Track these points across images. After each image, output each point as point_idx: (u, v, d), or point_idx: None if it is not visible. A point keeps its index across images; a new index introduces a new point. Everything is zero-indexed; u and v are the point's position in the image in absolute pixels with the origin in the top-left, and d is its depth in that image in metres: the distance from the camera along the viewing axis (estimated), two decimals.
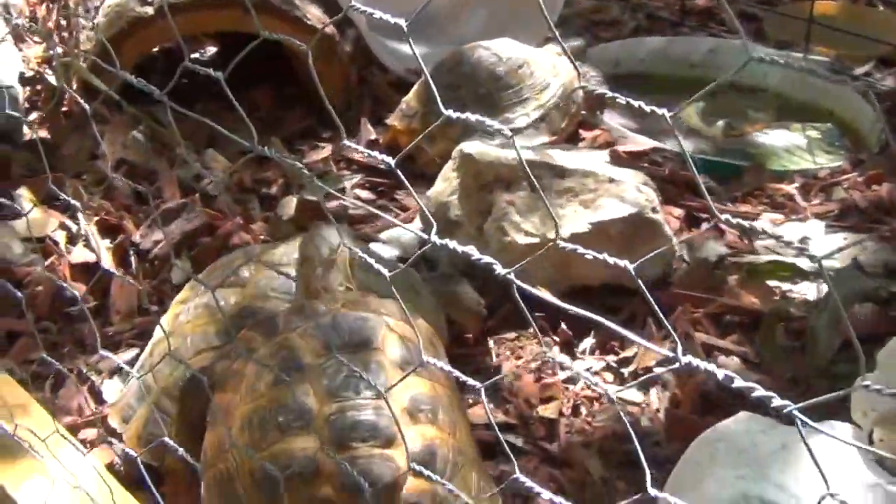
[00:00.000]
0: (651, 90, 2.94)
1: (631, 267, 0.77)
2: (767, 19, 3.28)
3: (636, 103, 0.75)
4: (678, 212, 2.27)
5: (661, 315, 0.84)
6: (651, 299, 0.80)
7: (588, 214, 2.02)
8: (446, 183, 2.16)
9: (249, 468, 1.34)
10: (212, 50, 3.09)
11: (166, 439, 1.24)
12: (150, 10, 2.50)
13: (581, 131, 2.54)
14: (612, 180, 2.04)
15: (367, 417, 1.33)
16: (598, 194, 2.03)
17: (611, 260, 0.80)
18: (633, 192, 2.03)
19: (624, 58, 3.01)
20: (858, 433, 1.29)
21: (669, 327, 0.79)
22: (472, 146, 2.13)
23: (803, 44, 2.98)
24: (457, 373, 0.94)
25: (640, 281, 0.79)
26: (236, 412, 1.38)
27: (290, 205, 2.33)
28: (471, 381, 0.94)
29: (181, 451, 1.20)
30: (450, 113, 0.83)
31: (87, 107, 1.23)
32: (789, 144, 2.72)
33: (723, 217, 0.72)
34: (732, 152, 2.65)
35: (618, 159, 2.22)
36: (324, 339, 1.39)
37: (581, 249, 0.79)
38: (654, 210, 2.02)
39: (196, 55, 3.05)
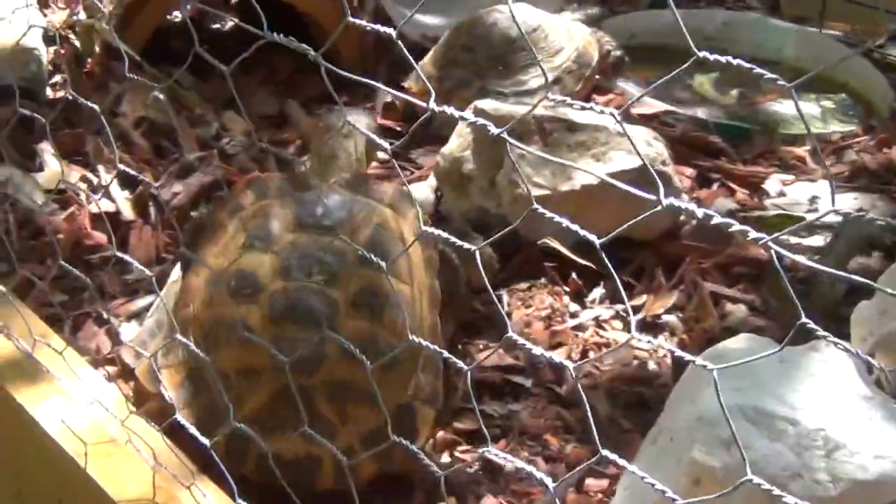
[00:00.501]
0: (665, 62, 2.95)
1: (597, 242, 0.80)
2: None
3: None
4: (689, 171, 2.30)
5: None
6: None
7: (599, 167, 2.05)
8: (461, 139, 2.19)
9: (202, 320, 1.47)
10: (230, 23, 3.13)
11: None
12: None
13: (595, 95, 2.57)
14: (622, 134, 2.07)
15: (304, 301, 1.42)
16: (608, 147, 2.06)
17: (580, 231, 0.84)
18: (642, 146, 2.06)
19: (639, 30, 3.02)
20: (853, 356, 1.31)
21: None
22: (485, 103, 2.16)
23: (818, 18, 3.00)
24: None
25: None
26: (209, 262, 1.51)
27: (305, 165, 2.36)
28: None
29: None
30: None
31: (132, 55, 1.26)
32: (804, 112, 2.73)
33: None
34: (747, 119, 2.67)
35: (629, 118, 2.25)
36: (299, 213, 1.47)
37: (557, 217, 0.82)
38: (663, 163, 2.05)
39: (217, 26, 3.09)
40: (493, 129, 0.84)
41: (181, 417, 1.19)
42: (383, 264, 1.05)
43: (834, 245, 1.79)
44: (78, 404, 1.42)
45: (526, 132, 2.10)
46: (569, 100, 0.92)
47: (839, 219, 2.03)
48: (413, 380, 1.48)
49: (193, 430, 1.16)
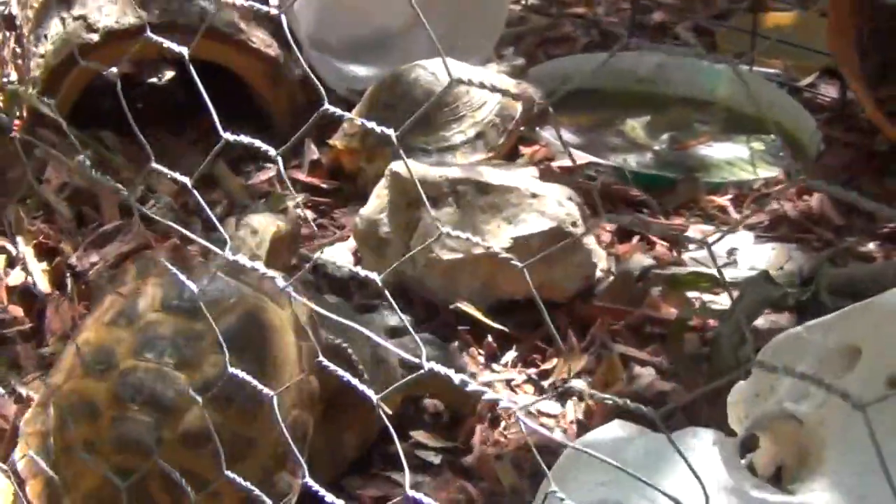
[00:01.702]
0: (598, 105, 2.97)
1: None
2: (720, 33, 3.32)
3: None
4: (610, 226, 2.31)
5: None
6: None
7: (510, 229, 2.06)
8: (378, 200, 2.20)
9: (61, 391, 1.51)
10: (169, 74, 3.14)
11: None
12: (95, 37, 2.54)
13: (520, 147, 2.58)
14: (534, 195, 2.08)
15: (151, 385, 1.44)
16: (520, 209, 2.07)
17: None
18: (554, 207, 2.07)
19: (573, 73, 3.04)
20: (724, 439, 1.32)
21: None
22: (401, 164, 2.17)
23: (749, 56, 3.02)
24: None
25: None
26: (81, 335, 1.54)
27: (231, 225, 2.37)
28: (369, 394, 0.97)
29: None
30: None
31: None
32: (732, 157, 2.76)
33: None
34: (676, 166, 2.68)
35: (547, 175, 2.26)
36: (168, 295, 1.49)
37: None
38: (573, 224, 2.06)
39: (154, 79, 3.10)
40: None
41: None
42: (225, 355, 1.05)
43: (734, 308, 1.80)
44: None
45: (440, 195, 2.11)
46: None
47: (750, 273, 2.04)
48: (262, 474, 1.48)
49: None
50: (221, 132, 0.90)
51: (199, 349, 1.47)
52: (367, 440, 1.74)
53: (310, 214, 2.46)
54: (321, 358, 1.02)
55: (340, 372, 1.02)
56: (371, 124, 0.84)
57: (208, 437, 1.39)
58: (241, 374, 0.99)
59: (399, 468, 1.77)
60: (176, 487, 1.42)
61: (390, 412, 1.63)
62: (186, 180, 0.95)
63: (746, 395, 1.40)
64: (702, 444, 1.29)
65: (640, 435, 1.31)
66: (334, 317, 1.00)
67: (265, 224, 1.86)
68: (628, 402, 0.75)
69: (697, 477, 0.81)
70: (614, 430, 1.35)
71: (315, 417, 1.59)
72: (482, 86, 0.83)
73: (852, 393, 1.28)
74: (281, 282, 0.91)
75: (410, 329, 1.06)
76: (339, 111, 0.87)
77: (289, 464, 1.50)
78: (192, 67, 1.01)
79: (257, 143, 0.88)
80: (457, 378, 0.81)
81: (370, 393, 0.88)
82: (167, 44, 0.96)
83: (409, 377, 0.89)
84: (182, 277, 1.55)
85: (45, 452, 1.51)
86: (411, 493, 0.80)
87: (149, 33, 0.97)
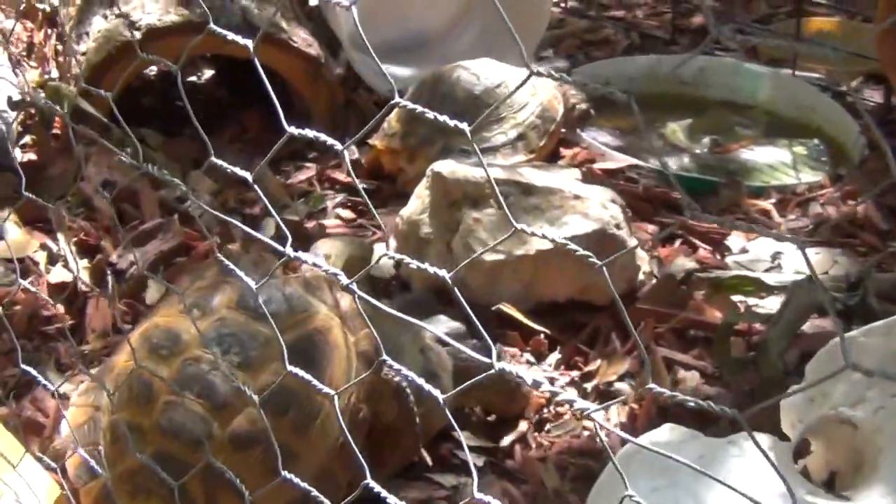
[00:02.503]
0: (641, 109, 2.94)
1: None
2: (761, 36, 3.29)
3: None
4: (652, 228, 2.29)
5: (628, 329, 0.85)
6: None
7: (553, 231, 2.04)
8: (419, 201, 2.19)
9: (119, 369, 1.53)
10: (208, 73, 3.14)
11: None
12: (137, 35, 2.54)
13: (561, 149, 2.57)
14: (577, 197, 2.07)
15: (210, 378, 1.44)
16: (563, 211, 2.06)
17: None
18: (597, 209, 2.05)
19: (613, 76, 3.02)
20: (778, 444, 1.30)
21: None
22: (442, 165, 2.16)
23: (792, 61, 2.99)
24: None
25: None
26: (152, 318, 1.57)
27: (270, 225, 2.37)
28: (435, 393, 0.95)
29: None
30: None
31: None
32: (774, 161, 2.73)
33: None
34: (716, 169, 2.66)
35: (590, 177, 2.24)
36: (245, 295, 1.49)
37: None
38: (617, 226, 2.04)
39: (193, 78, 3.11)
40: None
41: None
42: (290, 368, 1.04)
43: (782, 313, 1.78)
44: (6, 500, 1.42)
45: (481, 196, 2.10)
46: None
47: (797, 277, 2.02)
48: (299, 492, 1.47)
49: None
50: (286, 126, 0.88)
51: (264, 354, 1.46)
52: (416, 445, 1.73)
53: (349, 214, 2.45)
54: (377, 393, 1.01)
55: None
56: (443, 117, 0.82)
57: (256, 441, 1.38)
58: (300, 373, 0.97)
59: (442, 469, 1.76)
60: (213, 484, 1.41)
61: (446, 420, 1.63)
62: (247, 174, 0.93)
63: (800, 400, 1.37)
64: (753, 449, 1.27)
65: (692, 439, 1.29)
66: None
67: (338, 248, 1.87)
68: (699, 402, 0.73)
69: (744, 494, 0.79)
70: (665, 433, 1.33)
71: (359, 445, 1.58)
72: (537, 74, 0.81)
73: None
74: (344, 278, 0.88)
75: (452, 341, 1.04)
76: (409, 103, 0.85)
77: (331, 484, 1.49)
78: (235, 67, 0.99)
79: (322, 136, 0.87)
80: (529, 378, 0.79)
81: (436, 393, 0.86)
82: (231, 36, 0.94)
83: (481, 377, 0.87)
84: (261, 279, 1.55)
85: (92, 426, 1.51)
86: (479, 495, 0.79)
87: (212, 25, 0.95)
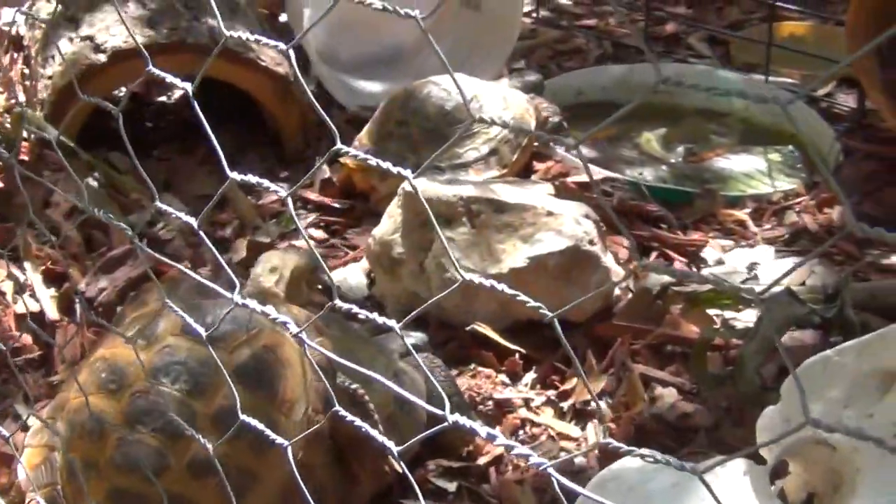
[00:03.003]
0: (614, 119, 2.93)
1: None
2: (734, 43, 3.28)
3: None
4: (627, 242, 2.27)
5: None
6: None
7: (526, 249, 2.02)
8: (391, 220, 2.16)
9: (72, 406, 1.50)
10: (179, 93, 3.11)
11: None
12: (102, 58, 2.51)
13: (535, 163, 2.54)
14: (550, 213, 2.04)
15: (161, 409, 1.42)
16: (536, 228, 2.03)
17: (529, 302, 0.78)
18: (570, 225, 2.03)
19: (586, 87, 3.01)
20: (754, 467, 1.28)
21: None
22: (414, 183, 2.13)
23: (765, 66, 2.98)
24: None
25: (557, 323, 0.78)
26: (98, 350, 1.56)
27: (241, 247, 2.34)
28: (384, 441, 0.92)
29: None
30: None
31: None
32: (750, 168, 2.71)
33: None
34: (692, 178, 2.64)
35: (563, 191, 2.22)
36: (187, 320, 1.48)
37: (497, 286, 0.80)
38: (591, 242, 2.02)
39: (163, 98, 3.08)
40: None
41: None
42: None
43: (758, 327, 1.76)
44: None
45: (454, 215, 2.07)
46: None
47: (774, 289, 2.00)
48: None
49: None
50: (228, 172, 0.86)
51: (214, 379, 1.44)
52: (381, 487, 1.69)
53: (321, 234, 2.42)
54: (336, 406, 0.98)
55: (357, 421, 0.98)
56: (386, 165, 0.79)
57: (215, 468, 1.36)
58: (252, 422, 0.94)
59: (415, 496, 1.73)
60: None
61: (402, 468, 1.59)
62: (193, 221, 0.91)
63: (776, 421, 1.35)
64: (731, 473, 1.25)
65: (666, 465, 1.27)
66: (353, 366, 0.95)
67: (284, 260, 1.84)
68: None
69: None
70: (639, 460, 1.30)
71: (321, 458, 1.55)
72: (492, 121, 0.79)
73: (888, 418, 1.24)
74: (293, 328, 0.87)
75: (418, 357, 1.01)
76: (351, 150, 0.82)
77: (296, 501, 1.46)
78: (195, 93, 0.98)
79: (266, 182, 0.84)
80: (482, 431, 0.76)
81: (390, 444, 0.83)
82: (170, 79, 0.92)
83: (430, 431, 0.85)
84: (206, 305, 1.53)
85: (48, 467, 1.49)
86: None
87: (151, 67, 0.93)
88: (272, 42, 0.91)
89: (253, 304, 0.90)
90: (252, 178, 0.86)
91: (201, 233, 0.91)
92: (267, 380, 1.47)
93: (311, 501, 1.01)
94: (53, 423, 1.54)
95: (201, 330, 1.07)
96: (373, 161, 0.84)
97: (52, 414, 1.59)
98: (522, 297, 0.80)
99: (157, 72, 1.00)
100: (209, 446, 1.10)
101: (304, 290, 1.78)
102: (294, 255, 1.85)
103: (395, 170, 0.89)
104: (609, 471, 1.31)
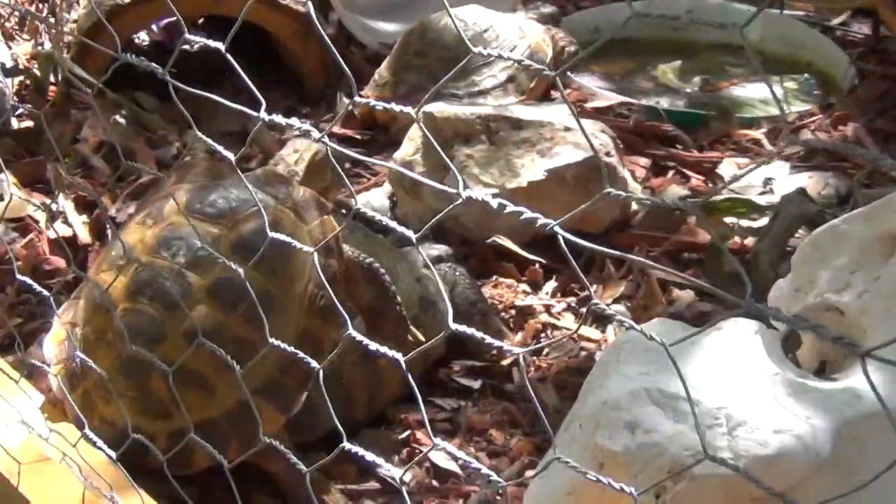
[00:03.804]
0: (631, 53, 2.97)
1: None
2: None
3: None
4: (644, 161, 2.31)
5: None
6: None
7: (544, 162, 2.06)
8: (411, 143, 2.21)
9: (90, 282, 1.58)
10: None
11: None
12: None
13: (552, 92, 2.58)
14: (567, 129, 2.09)
15: (160, 281, 1.49)
16: (553, 142, 2.08)
17: (531, 215, 0.80)
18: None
19: (603, 23, 3.03)
20: (765, 329, 1.32)
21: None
22: (433, 105, 2.18)
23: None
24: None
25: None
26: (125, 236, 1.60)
27: None
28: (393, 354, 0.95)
29: None
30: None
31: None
32: (765, 95, 2.74)
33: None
34: (708, 105, 2.67)
35: (582, 112, 2.26)
36: (193, 199, 1.55)
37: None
38: (608, 154, 2.06)
39: (186, 47, 3.12)
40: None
41: (90, 432, 1.23)
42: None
43: (772, 226, 1.80)
44: (12, 424, 1.44)
45: (472, 132, 2.12)
46: None
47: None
48: (261, 379, 1.49)
49: (103, 447, 1.19)
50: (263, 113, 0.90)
51: (213, 251, 1.49)
52: (411, 370, 1.72)
53: (346, 165, 2.47)
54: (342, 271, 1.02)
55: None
56: (391, 105, 0.82)
57: (210, 336, 1.42)
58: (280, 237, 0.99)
59: (442, 394, 1.78)
60: (175, 381, 1.44)
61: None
62: (231, 157, 0.95)
63: (787, 291, 1.39)
64: (743, 332, 1.29)
65: (681, 330, 1.31)
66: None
67: (307, 145, 1.87)
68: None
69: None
70: (654, 326, 1.35)
71: (349, 356, 1.60)
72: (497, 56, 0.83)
73: (893, 279, 1.27)
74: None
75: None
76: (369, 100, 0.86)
77: (296, 373, 1.51)
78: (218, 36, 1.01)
79: (295, 121, 0.89)
80: (479, 335, 0.80)
81: (398, 356, 0.87)
82: (207, 42, 0.96)
83: (434, 340, 0.91)
84: (211, 184, 1.58)
85: (71, 342, 1.55)
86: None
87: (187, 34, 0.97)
88: None
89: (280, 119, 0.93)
90: (279, 119, 0.90)
91: (238, 171, 0.95)
92: (267, 254, 1.51)
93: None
94: (77, 302, 1.61)
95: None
96: (380, 105, 0.86)
97: (77, 292, 1.66)
98: (514, 209, 0.79)
99: (193, 38, 1.05)
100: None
101: (327, 175, 1.81)
102: (316, 144, 1.88)
103: (397, 108, 0.89)
104: (625, 334, 1.35)
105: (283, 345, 0.99)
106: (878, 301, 1.30)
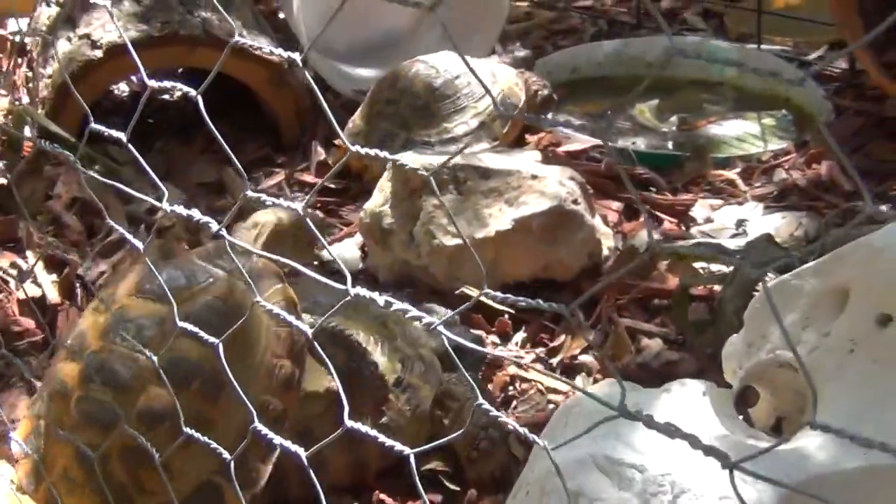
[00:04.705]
0: (609, 93, 2.97)
1: None
2: (728, 14, 3.30)
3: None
4: (616, 205, 2.30)
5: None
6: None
7: (511, 212, 2.05)
8: (381, 194, 2.20)
9: (48, 376, 1.59)
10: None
11: None
12: (99, 53, 2.57)
13: (526, 136, 2.58)
14: (534, 177, 2.08)
15: (112, 364, 1.49)
16: (521, 191, 2.07)
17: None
18: (554, 187, 2.06)
19: (581, 63, 3.04)
20: (714, 389, 1.30)
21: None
22: (402, 156, 2.17)
23: (756, 35, 3.00)
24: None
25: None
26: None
27: (239, 230, 2.38)
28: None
29: None
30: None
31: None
32: (742, 133, 2.74)
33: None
34: (685, 146, 2.66)
35: (549, 158, 2.25)
36: (142, 280, 1.55)
37: None
38: (574, 202, 2.05)
39: (165, 95, 3.13)
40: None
41: None
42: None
43: (736, 273, 1.78)
44: None
45: (441, 182, 2.11)
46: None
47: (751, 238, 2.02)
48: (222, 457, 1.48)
49: None
50: (246, 190, 0.89)
51: (163, 331, 1.49)
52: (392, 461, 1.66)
53: (318, 214, 2.46)
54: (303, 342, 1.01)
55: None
56: (368, 151, 0.82)
57: (164, 416, 1.41)
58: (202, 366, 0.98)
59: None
60: (134, 464, 1.44)
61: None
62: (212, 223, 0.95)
63: (740, 347, 1.38)
64: (691, 394, 1.27)
65: (630, 391, 1.29)
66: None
67: (267, 217, 1.87)
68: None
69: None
70: (604, 388, 1.33)
71: (317, 409, 1.58)
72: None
73: (843, 334, 1.26)
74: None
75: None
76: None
77: (256, 448, 1.49)
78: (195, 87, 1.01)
79: (282, 202, 0.88)
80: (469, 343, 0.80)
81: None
82: (173, 86, 0.96)
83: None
84: (160, 264, 1.58)
85: (37, 434, 1.54)
86: None
87: (149, 82, 0.97)
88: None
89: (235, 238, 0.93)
90: (267, 199, 0.90)
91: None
92: (220, 327, 1.50)
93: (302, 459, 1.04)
94: (42, 394, 1.60)
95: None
96: (359, 150, 0.87)
97: (42, 385, 1.65)
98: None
99: (155, 84, 1.05)
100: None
101: (288, 246, 1.80)
102: (282, 213, 1.87)
103: (373, 152, 0.91)
104: (573, 398, 1.33)
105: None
106: (829, 357, 1.29)
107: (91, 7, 2.75)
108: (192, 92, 1.05)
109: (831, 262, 1.32)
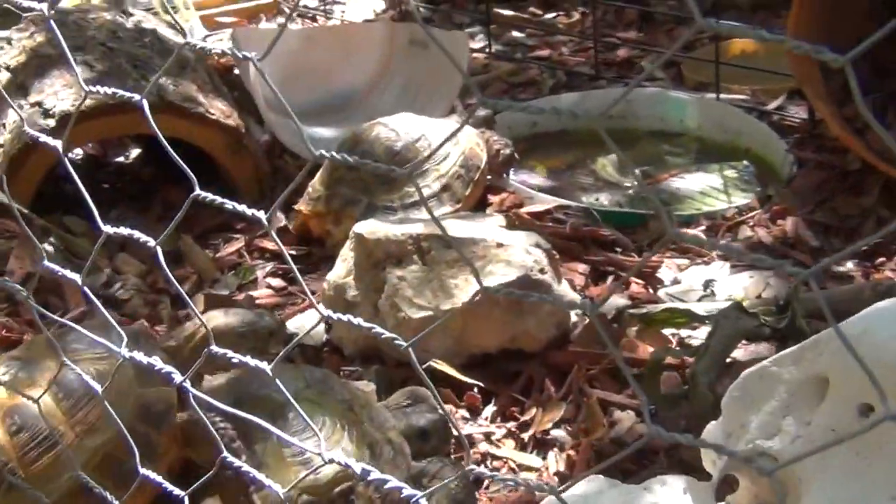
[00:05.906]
0: (569, 146, 2.96)
1: None
2: (685, 63, 3.30)
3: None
4: (583, 267, 2.27)
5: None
6: None
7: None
8: (344, 264, 2.16)
9: None
10: (136, 152, 3.11)
11: None
12: (52, 122, 2.52)
13: (489, 196, 2.55)
14: (499, 245, 2.04)
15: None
16: (486, 261, 2.03)
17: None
18: (520, 255, 2.03)
19: (540, 117, 3.02)
20: (694, 484, 1.27)
21: None
22: (363, 225, 2.14)
23: (714, 85, 3.00)
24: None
25: None
26: None
27: (199, 301, 2.33)
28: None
29: None
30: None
31: None
32: (705, 186, 2.73)
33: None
34: (645, 202, 2.65)
35: (514, 223, 2.22)
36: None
37: None
38: (541, 271, 2.02)
39: (121, 158, 3.08)
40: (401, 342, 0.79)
41: None
42: None
43: (708, 344, 1.76)
44: None
45: (404, 253, 2.07)
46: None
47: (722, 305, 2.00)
48: None
49: None
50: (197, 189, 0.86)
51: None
52: None
53: (280, 283, 2.42)
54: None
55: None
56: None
57: None
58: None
59: None
60: None
61: None
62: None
63: (718, 436, 1.35)
64: (671, 491, 1.24)
65: (611, 488, 1.27)
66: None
67: (209, 321, 1.84)
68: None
69: None
70: (584, 485, 1.30)
71: None
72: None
73: (825, 424, 1.23)
74: (177, 377, 0.86)
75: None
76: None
77: None
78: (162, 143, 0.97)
79: (241, 207, 0.85)
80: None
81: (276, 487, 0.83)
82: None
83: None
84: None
85: None
86: None
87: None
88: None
89: (139, 356, 0.89)
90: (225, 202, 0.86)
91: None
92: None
93: None
94: None
95: None
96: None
97: None
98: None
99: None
100: None
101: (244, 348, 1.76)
102: (225, 315, 1.84)
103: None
104: (549, 499, 1.30)
105: None
106: (811, 447, 1.26)
107: (43, 73, 2.70)
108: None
109: (809, 350, 1.29)
